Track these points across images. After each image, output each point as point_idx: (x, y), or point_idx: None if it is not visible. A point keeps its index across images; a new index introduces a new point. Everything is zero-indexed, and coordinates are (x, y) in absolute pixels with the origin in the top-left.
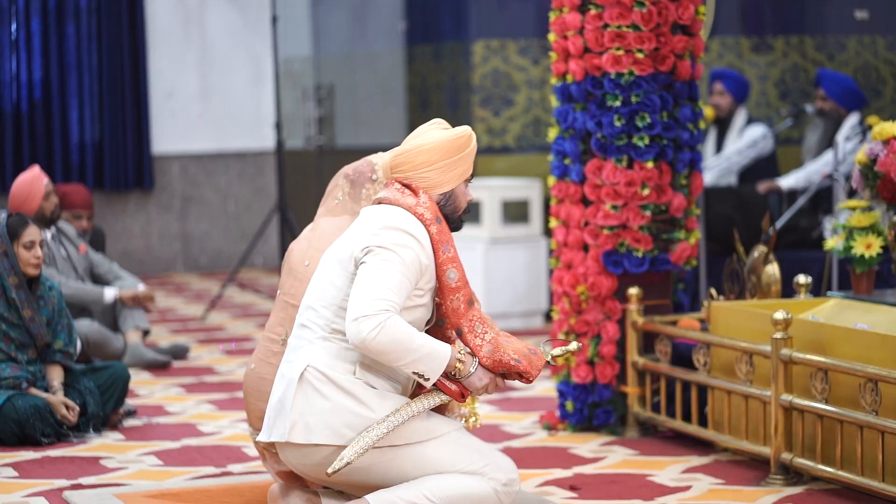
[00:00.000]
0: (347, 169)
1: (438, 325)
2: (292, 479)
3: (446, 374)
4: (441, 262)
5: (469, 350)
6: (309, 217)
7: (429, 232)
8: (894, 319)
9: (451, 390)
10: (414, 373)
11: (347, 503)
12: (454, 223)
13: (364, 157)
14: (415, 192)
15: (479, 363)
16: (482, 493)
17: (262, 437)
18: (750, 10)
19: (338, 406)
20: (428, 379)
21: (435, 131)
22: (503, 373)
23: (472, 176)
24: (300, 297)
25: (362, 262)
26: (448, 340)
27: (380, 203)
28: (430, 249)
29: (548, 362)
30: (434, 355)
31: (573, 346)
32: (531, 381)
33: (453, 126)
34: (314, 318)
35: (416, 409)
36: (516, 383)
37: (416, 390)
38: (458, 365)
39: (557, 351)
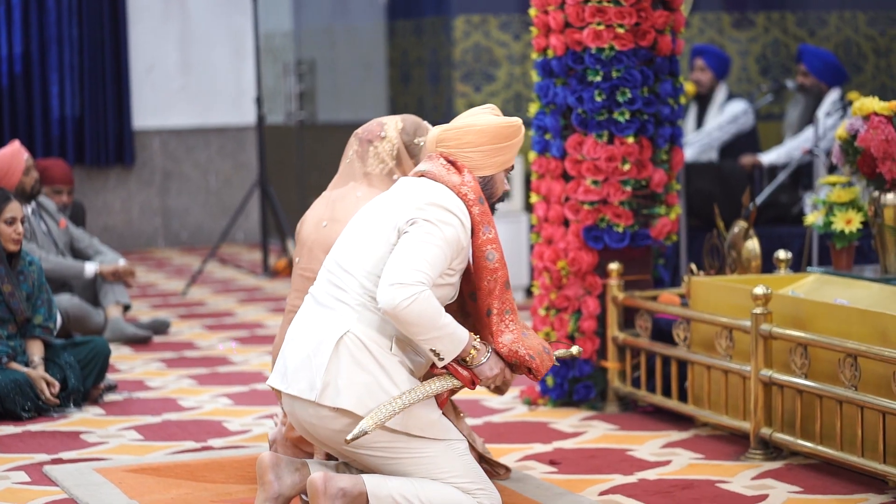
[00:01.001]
0: (358, 129)
1: (472, 299)
2: (298, 447)
3: (459, 360)
4: (481, 243)
5: (484, 341)
6: (290, 192)
7: (471, 212)
8: (874, 295)
9: (463, 376)
10: (431, 350)
11: (336, 474)
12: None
13: (345, 132)
14: (459, 169)
15: (495, 350)
16: None
17: (277, 383)
18: None
19: (372, 380)
20: (443, 359)
21: (487, 115)
22: (513, 364)
23: (512, 168)
24: (316, 271)
25: (405, 231)
26: (479, 315)
27: (422, 176)
28: (470, 231)
29: (554, 363)
30: (453, 338)
31: (574, 349)
32: (538, 379)
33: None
34: (351, 283)
35: (430, 390)
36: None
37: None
38: (472, 351)
39: (560, 352)
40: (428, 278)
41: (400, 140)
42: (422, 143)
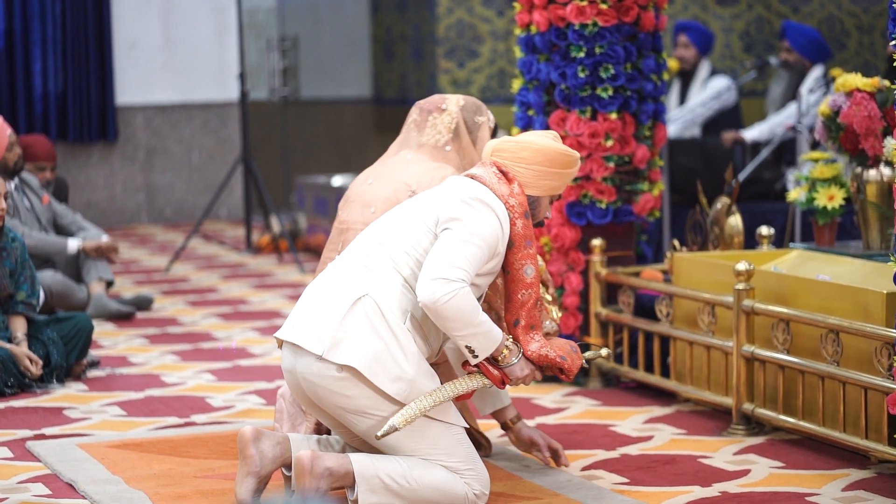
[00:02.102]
0: (420, 101)
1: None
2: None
3: (491, 359)
4: (521, 256)
5: (516, 341)
6: (273, 168)
7: (514, 224)
8: (856, 271)
9: (493, 375)
10: (466, 346)
11: (323, 454)
12: None
13: (329, 108)
14: (510, 180)
15: (524, 355)
16: (456, 491)
17: (284, 334)
18: None
19: (384, 347)
20: (477, 356)
21: (549, 139)
22: (544, 367)
23: (559, 197)
24: (350, 221)
25: (446, 228)
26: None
27: (472, 178)
28: (507, 239)
29: (582, 364)
30: (489, 336)
31: (603, 351)
32: (571, 379)
33: None
34: (380, 254)
35: (461, 388)
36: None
37: (437, 361)
38: (504, 351)
39: (589, 354)
40: (468, 276)
41: (460, 115)
42: (480, 122)
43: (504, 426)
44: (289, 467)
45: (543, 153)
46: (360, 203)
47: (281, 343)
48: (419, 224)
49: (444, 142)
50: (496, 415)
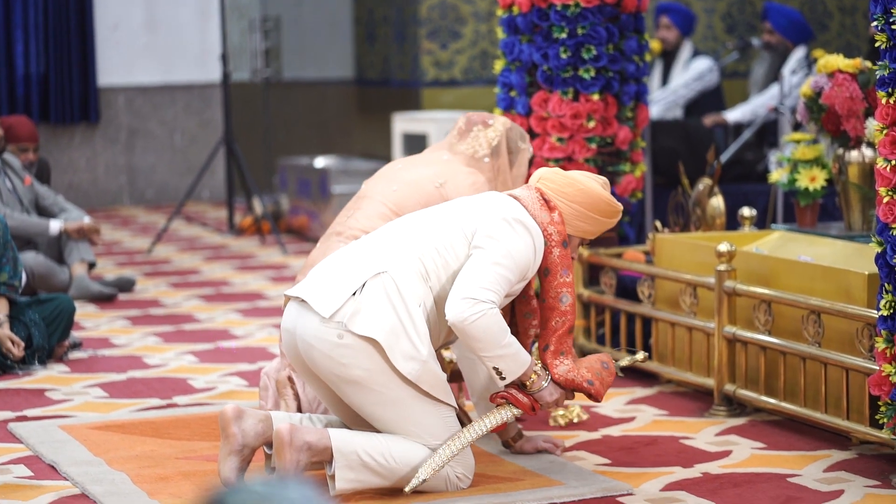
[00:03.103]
0: (470, 112)
1: (525, 317)
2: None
3: (519, 385)
4: (557, 285)
5: (544, 366)
6: (255, 149)
7: (551, 252)
8: (837, 252)
9: (523, 402)
10: (494, 368)
11: (302, 427)
12: None
13: (311, 89)
14: (551, 208)
15: (552, 379)
16: (438, 473)
17: (301, 292)
18: None
19: (399, 323)
20: (504, 378)
21: (596, 184)
22: (572, 390)
23: (589, 242)
24: (370, 191)
25: (481, 246)
26: (528, 340)
27: (515, 199)
28: (539, 266)
29: (617, 375)
30: (516, 358)
31: (639, 355)
32: (600, 401)
33: None
34: (410, 243)
35: (490, 423)
36: None
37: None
38: (533, 376)
39: (625, 362)
40: (498, 298)
41: (505, 134)
42: (522, 148)
43: (506, 444)
44: (271, 445)
45: (587, 194)
46: (386, 179)
47: (287, 301)
48: (457, 229)
49: (482, 154)
50: (499, 431)
